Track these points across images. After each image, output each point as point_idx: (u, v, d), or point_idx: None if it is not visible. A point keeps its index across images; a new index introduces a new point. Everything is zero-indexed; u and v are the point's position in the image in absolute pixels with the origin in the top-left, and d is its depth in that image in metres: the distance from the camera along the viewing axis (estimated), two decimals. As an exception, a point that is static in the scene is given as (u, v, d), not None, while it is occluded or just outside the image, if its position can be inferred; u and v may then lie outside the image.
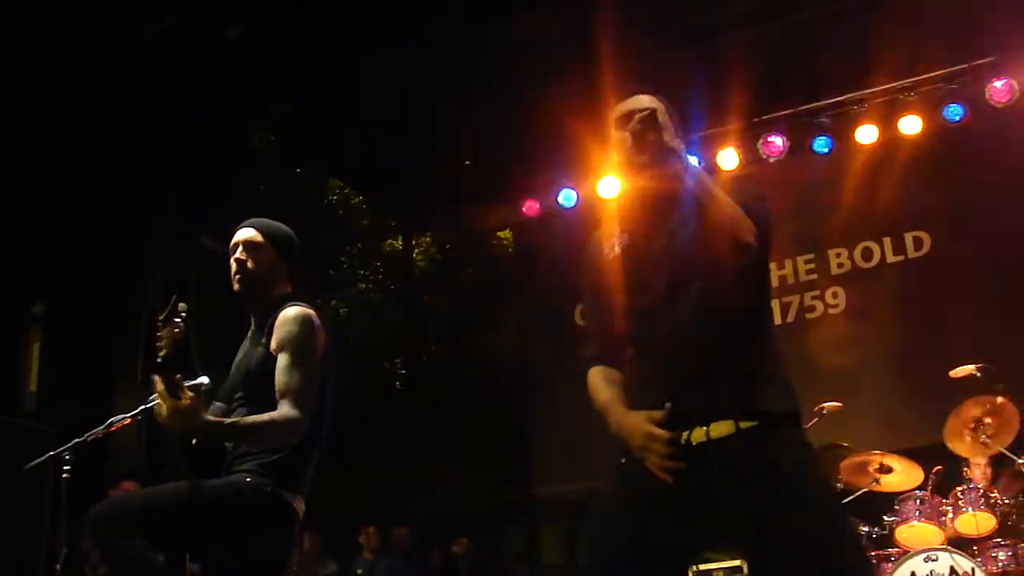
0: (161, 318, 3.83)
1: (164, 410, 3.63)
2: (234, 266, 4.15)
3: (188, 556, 3.90)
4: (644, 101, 3.22)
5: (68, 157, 8.72)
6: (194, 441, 3.88)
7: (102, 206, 9.09)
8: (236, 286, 4.16)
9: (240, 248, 4.19)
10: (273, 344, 4.03)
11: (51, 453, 4.65)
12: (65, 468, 4.60)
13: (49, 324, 9.54)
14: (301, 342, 4.02)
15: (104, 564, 3.72)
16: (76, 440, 4.51)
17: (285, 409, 3.87)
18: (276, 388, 3.93)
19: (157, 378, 3.68)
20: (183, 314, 3.87)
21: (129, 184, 9.06)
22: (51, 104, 8.26)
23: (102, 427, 4.48)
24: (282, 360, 3.98)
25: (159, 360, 3.70)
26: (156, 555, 3.70)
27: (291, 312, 4.08)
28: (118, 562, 3.66)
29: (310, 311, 4.13)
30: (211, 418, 3.78)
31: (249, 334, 4.26)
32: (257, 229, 4.27)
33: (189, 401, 3.63)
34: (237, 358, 4.24)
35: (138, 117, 8.78)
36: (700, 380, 3.01)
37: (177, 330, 3.82)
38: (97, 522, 3.69)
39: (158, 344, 3.77)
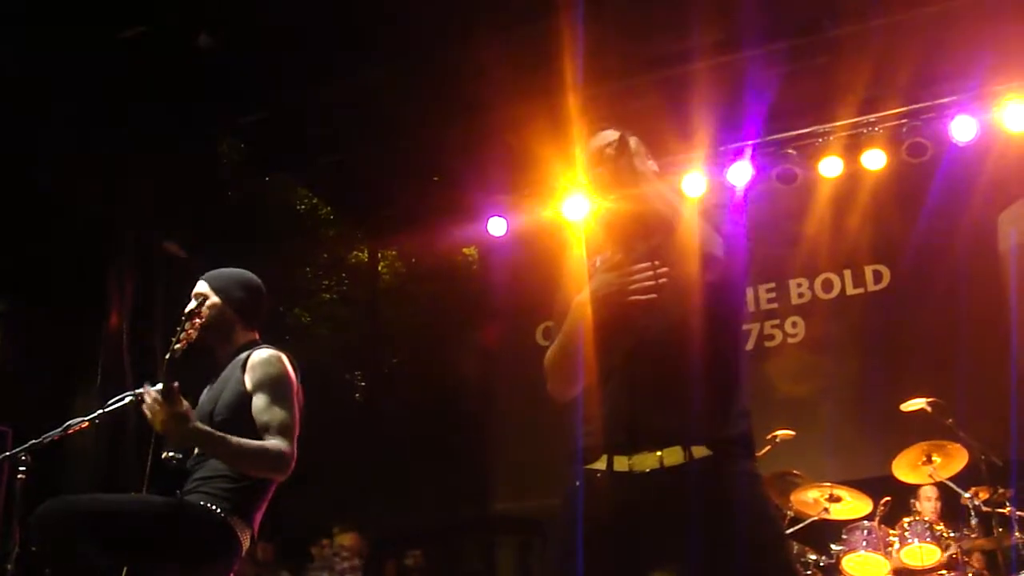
0: (185, 314, 3.89)
1: (157, 415, 3.67)
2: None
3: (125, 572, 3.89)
4: (613, 134, 3.29)
5: (32, 155, 8.69)
6: (164, 455, 3.90)
7: (66, 206, 9.07)
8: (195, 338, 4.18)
9: (193, 302, 4.23)
10: (249, 384, 4.06)
11: (7, 454, 4.65)
12: (20, 469, 4.59)
13: (10, 323, 9.49)
14: (279, 381, 4.08)
15: (50, 564, 3.71)
16: (32, 442, 4.51)
17: (275, 442, 3.91)
18: (259, 424, 3.96)
19: (148, 386, 3.72)
20: (204, 316, 3.92)
21: (94, 185, 9.04)
22: (14, 100, 8.23)
23: (59, 430, 4.48)
24: (262, 399, 4.02)
25: (169, 356, 3.75)
26: (102, 561, 3.71)
27: (264, 354, 4.14)
28: (63, 563, 3.67)
29: (282, 354, 4.18)
30: (202, 427, 3.80)
31: (216, 379, 4.28)
32: (207, 281, 4.32)
33: (183, 408, 3.68)
34: (202, 399, 4.26)
35: (104, 118, 8.76)
36: (658, 403, 3.03)
37: (194, 330, 3.88)
38: (44, 521, 3.70)
39: (174, 339, 3.82)
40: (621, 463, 3.04)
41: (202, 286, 4.31)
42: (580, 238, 3.44)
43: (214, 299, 4.25)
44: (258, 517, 4.07)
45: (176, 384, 3.69)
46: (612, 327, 3.13)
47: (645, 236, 3.20)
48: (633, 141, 3.26)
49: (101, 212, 9.14)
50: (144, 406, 3.72)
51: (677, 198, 3.25)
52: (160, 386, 3.71)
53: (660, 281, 3.03)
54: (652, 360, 3.08)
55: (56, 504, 3.76)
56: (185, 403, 3.70)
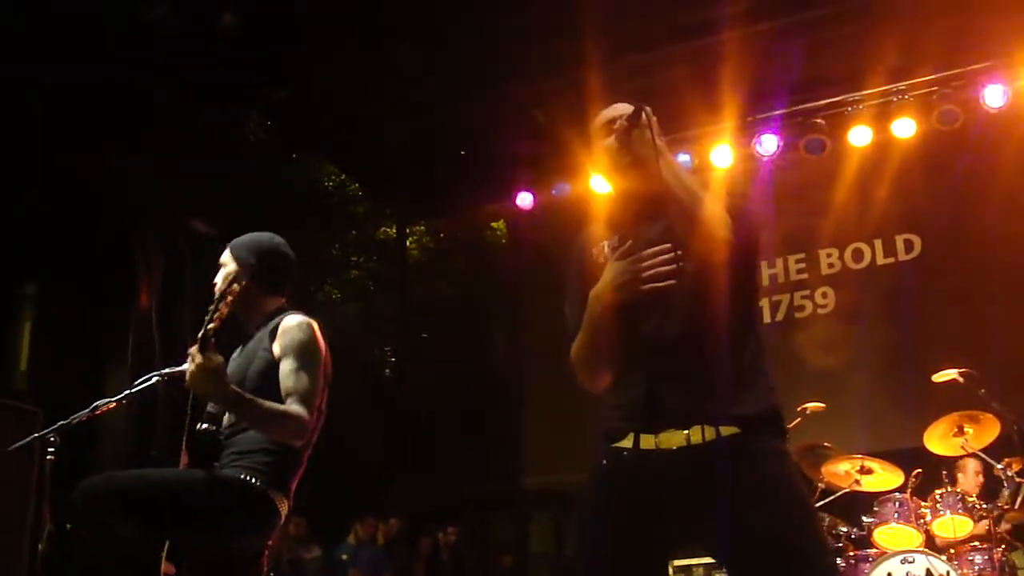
0: (218, 295, 3.88)
1: (192, 368, 3.68)
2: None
3: (165, 553, 3.92)
4: (626, 107, 3.23)
5: (60, 137, 8.72)
6: (199, 427, 3.91)
7: (92, 187, 9.10)
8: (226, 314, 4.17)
9: (220, 275, 4.24)
10: (277, 350, 4.06)
11: (36, 435, 4.67)
12: (50, 450, 4.62)
13: (41, 304, 9.56)
14: (306, 348, 4.07)
15: (90, 540, 3.75)
16: (61, 422, 4.53)
17: (296, 408, 3.91)
18: (283, 390, 3.96)
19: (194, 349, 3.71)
20: (235, 293, 3.91)
21: (122, 166, 9.07)
22: (41, 80, 8.25)
23: (87, 410, 4.50)
24: (288, 364, 4.01)
25: (203, 335, 3.73)
26: (143, 536, 3.75)
27: (294, 320, 4.13)
28: (105, 539, 3.70)
29: (312, 320, 4.18)
30: (234, 387, 3.80)
31: (244, 345, 4.28)
32: (229, 249, 4.31)
33: (216, 363, 3.68)
34: (230, 367, 4.25)
35: (133, 97, 8.78)
36: (683, 383, 3.00)
37: (227, 308, 3.86)
38: (86, 497, 3.72)
39: (207, 319, 3.81)
40: (648, 441, 3.01)
41: (225, 255, 4.32)
42: (595, 218, 3.40)
43: (232, 267, 4.25)
44: (293, 487, 4.10)
45: (212, 339, 3.69)
46: (630, 313, 3.08)
47: (656, 215, 3.13)
48: (646, 115, 3.13)
49: (127, 192, 9.16)
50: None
51: (690, 176, 3.20)
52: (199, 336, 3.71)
53: (674, 267, 2.97)
54: (672, 343, 3.03)
55: (98, 481, 3.78)
56: (219, 357, 3.70)
